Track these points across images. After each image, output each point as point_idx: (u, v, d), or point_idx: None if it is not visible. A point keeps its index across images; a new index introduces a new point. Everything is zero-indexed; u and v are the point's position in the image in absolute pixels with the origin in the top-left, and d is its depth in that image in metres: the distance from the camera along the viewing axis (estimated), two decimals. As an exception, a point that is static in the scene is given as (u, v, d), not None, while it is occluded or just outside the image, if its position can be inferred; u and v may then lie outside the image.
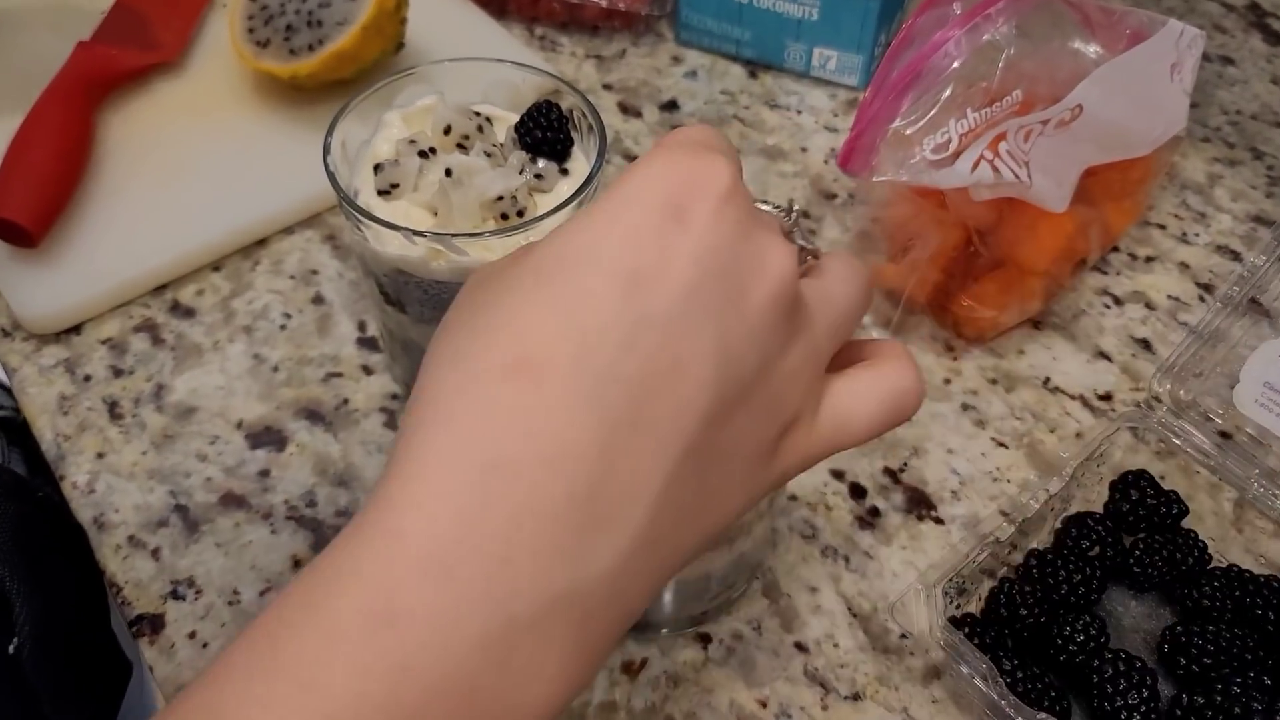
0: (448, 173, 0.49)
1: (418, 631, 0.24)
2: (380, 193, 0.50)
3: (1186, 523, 0.51)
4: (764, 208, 0.32)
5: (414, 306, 0.50)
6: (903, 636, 0.49)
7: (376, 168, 0.50)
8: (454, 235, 0.46)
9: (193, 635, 0.48)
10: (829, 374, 0.32)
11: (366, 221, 0.47)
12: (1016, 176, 0.55)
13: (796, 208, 0.33)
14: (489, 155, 0.50)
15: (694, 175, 0.28)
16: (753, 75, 0.76)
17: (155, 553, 0.51)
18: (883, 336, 0.60)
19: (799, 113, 0.73)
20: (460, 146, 0.51)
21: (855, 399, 0.32)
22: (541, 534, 0.25)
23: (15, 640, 0.52)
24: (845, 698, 0.47)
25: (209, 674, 0.25)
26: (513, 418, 0.26)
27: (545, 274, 0.27)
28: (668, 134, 0.30)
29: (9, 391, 0.57)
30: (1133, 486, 0.50)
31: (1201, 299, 0.63)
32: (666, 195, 0.27)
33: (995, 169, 0.55)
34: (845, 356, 0.33)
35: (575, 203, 0.48)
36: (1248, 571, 0.49)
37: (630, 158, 0.70)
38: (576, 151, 0.52)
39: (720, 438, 0.28)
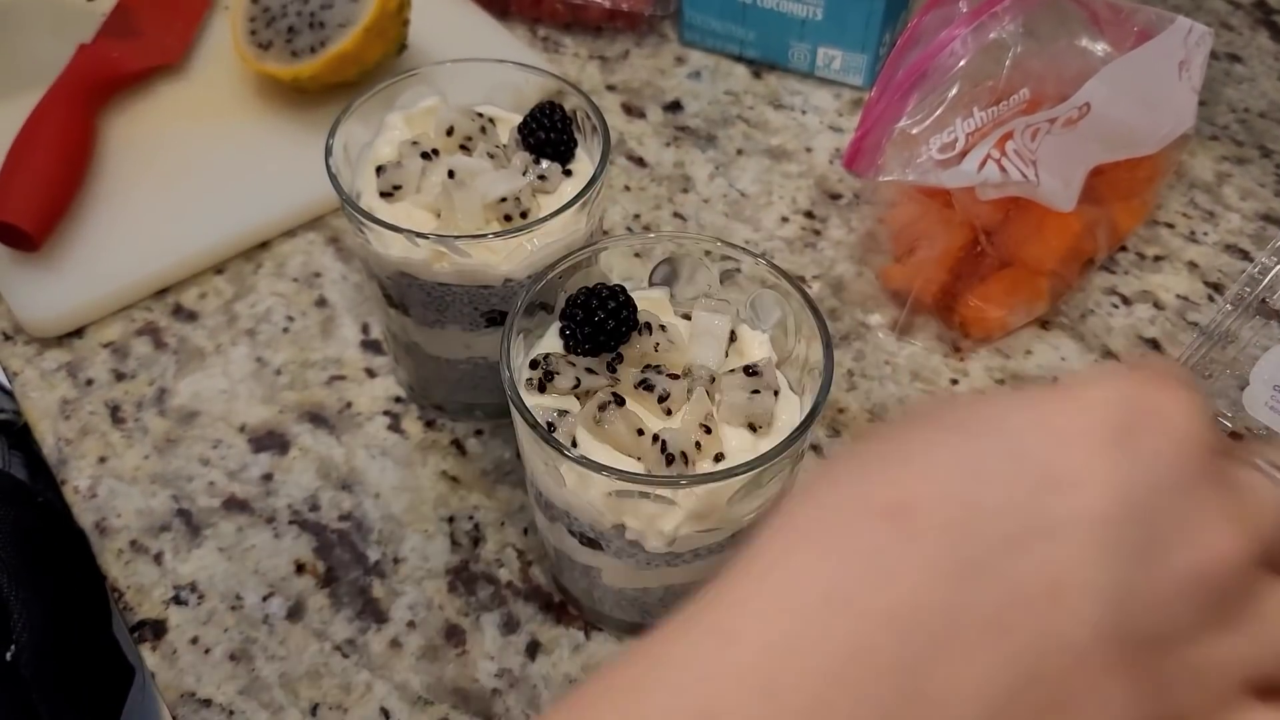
0: (450, 174, 0.49)
1: None
2: (383, 195, 0.49)
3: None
4: (1271, 472, 0.27)
5: (417, 309, 0.50)
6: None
7: (379, 169, 0.50)
8: (457, 237, 0.46)
9: (195, 641, 0.48)
10: (1263, 701, 0.26)
11: (369, 224, 0.46)
12: (1024, 175, 0.55)
13: None
14: (492, 156, 0.50)
15: (1159, 405, 0.25)
16: (757, 75, 0.76)
17: (157, 557, 0.51)
18: (888, 337, 0.60)
19: (803, 113, 0.73)
20: (463, 148, 0.51)
21: None
22: (865, 686, 0.23)
23: (13, 647, 0.51)
24: (853, 702, 0.47)
25: None
26: (871, 560, 0.24)
27: (965, 433, 0.26)
28: (1142, 361, 0.27)
29: (10, 395, 0.57)
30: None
31: (1211, 299, 0.62)
32: (1123, 415, 0.25)
33: (1002, 168, 0.55)
34: None
35: (579, 204, 0.47)
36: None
37: (634, 159, 0.69)
38: (580, 152, 0.52)
39: (1077, 689, 0.24)
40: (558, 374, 0.43)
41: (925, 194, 0.59)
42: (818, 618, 0.24)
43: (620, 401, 0.42)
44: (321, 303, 0.61)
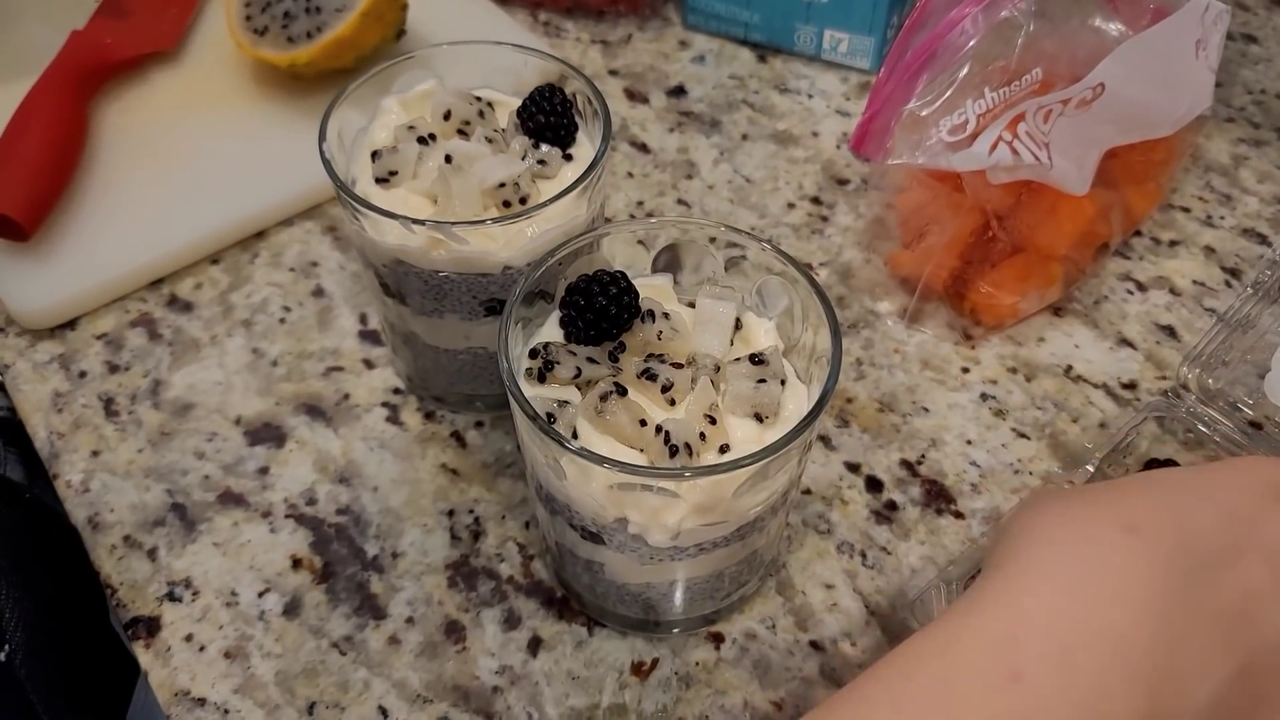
0: (448, 159, 0.47)
1: (1039, 695, 0.29)
2: (378, 180, 0.48)
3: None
4: None
5: (415, 298, 0.49)
6: (922, 635, 0.47)
7: (374, 155, 0.48)
8: (454, 223, 0.45)
9: (189, 638, 0.47)
10: None
11: (364, 210, 0.45)
12: (1036, 158, 0.54)
13: None
14: (490, 141, 0.49)
15: None
16: (762, 59, 0.74)
17: (151, 553, 0.50)
18: (897, 325, 0.59)
19: (810, 97, 0.72)
20: (460, 132, 0.49)
21: None
22: (1134, 659, 0.30)
23: (7, 648, 0.50)
24: (863, 699, 0.45)
25: (839, 698, 0.31)
26: (1124, 565, 0.31)
27: (1156, 486, 0.34)
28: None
29: (3, 390, 0.56)
30: (1160, 477, 0.48)
31: (1228, 284, 0.61)
32: (1273, 481, 0.34)
33: (1014, 151, 0.53)
34: None
35: (579, 189, 0.46)
36: None
37: (638, 145, 0.68)
38: (581, 136, 0.51)
39: (1269, 681, 0.32)
40: (558, 363, 0.42)
41: (935, 178, 0.57)
42: (1093, 604, 0.30)
43: (622, 391, 0.41)
44: (319, 293, 0.60)
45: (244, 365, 0.57)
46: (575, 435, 0.40)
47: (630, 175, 0.66)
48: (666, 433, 0.39)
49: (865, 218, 0.63)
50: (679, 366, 0.42)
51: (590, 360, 0.42)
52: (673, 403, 0.41)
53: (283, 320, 0.59)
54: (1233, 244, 0.63)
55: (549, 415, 0.41)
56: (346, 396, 0.55)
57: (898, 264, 0.60)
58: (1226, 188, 0.66)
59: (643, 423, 0.40)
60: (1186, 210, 0.65)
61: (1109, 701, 0.29)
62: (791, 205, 0.65)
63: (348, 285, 0.60)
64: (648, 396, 0.42)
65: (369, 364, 0.57)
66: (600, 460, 0.37)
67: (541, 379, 0.42)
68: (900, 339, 0.58)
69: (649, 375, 0.41)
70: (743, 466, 0.38)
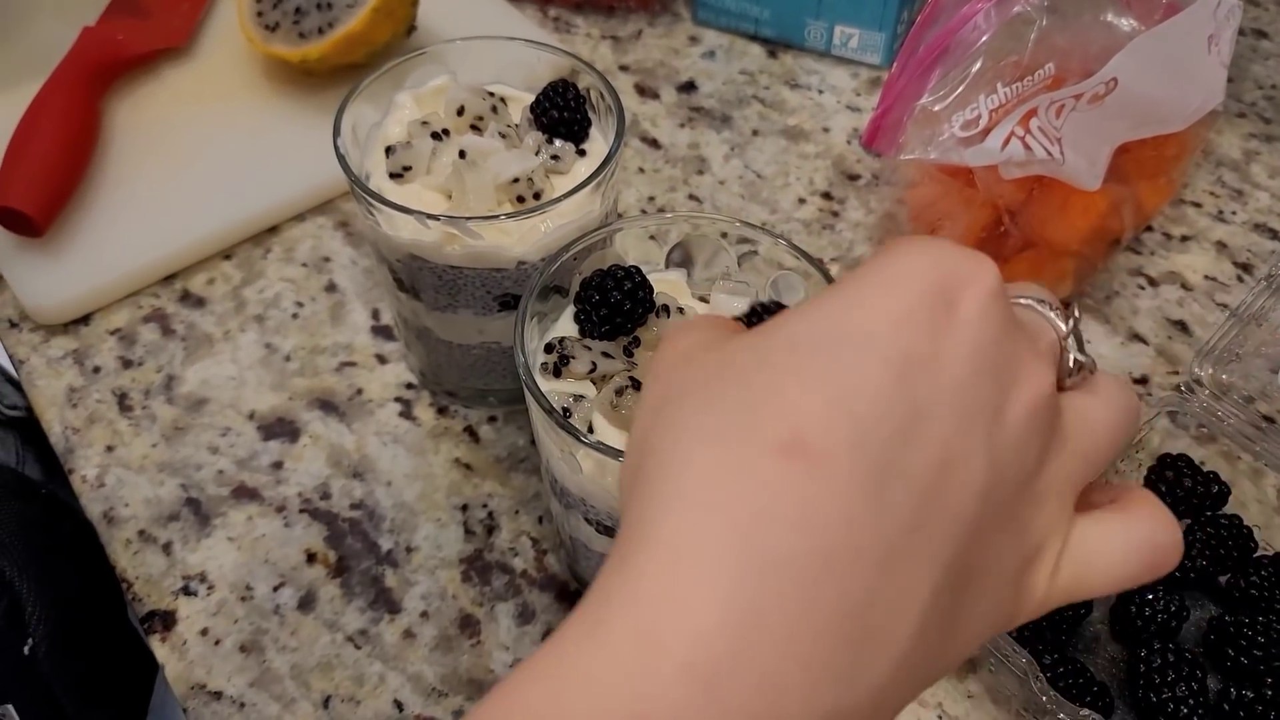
0: (461, 154, 0.47)
1: None
2: (392, 176, 0.48)
3: (1230, 510, 0.49)
4: (1038, 308, 0.29)
5: (429, 293, 0.49)
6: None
7: (388, 150, 0.48)
8: (469, 218, 0.45)
9: (205, 632, 0.47)
10: (1085, 512, 0.28)
11: (379, 205, 0.45)
12: (1049, 153, 0.54)
13: (1077, 313, 0.29)
14: (504, 136, 0.49)
15: (961, 268, 0.26)
16: (772, 55, 0.74)
17: (166, 547, 0.50)
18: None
19: (820, 92, 0.72)
20: (474, 128, 0.50)
21: (1102, 543, 0.28)
22: (815, 648, 0.22)
23: (30, 641, 0.50)
24: (877, 693, 0.46)
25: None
26: (791, 508, 0.22)
27: (806, 350, 0.25)
28: (907, 238, 0.27)
29: (20, 390, 0.56)
30: (1170, 469, 0.48)
31: (1240, 279, 0.61)
32: (936, 284, 0.25)
33: (1027, 146, 0.53)
34: (1086, 500, 0.29)
35: (593, 184, 0.46)
36: (1295, 560, 0.47)
37: (648, 140, 0.68)
38: (594, 132, 0.51)
39: (977, 556, 0.25)
40: (573, 358, 0.42)
41: (947, 173, 0.57)
42: (750, 595, 0.22)
43: (638, 386, 0.41)
44: (331, 288, 0.60)
45: (257, 360, 0.57)
46: (591, 429, 0.40)
47: (641, 170, 0.66)
48: None
49: (876, 213, 0.63)
50: (694, 361, 0.42)
51: (605, 355, 0.42)
52: None
53: (295, 315, 0.59)
54: (1244, 239, 0.63)
55: (565, 409, 0.41)
56: (359, 391, 0.56)
57: (909, 259, 0.60)
58: (1238, 183, 0.66)
59: None
60: (1198, 205, 0.65)
61: (787, 702, 0.22)
62: (802, 200, 0.65)
63: (360, 280, 0.60)
64: None
65: (381, 359, 0.57)
66: (617, 454, 0.37)
67: (557, 373, 0.42)
68: (912, 334, 0.58)
69: None
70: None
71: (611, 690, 0.22)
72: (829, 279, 0.42)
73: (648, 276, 0.43)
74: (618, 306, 0.42)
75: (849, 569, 0.22)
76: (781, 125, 0.69)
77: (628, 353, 0.43)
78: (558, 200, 0.45)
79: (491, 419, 0.55)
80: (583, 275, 0.44)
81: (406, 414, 0.55)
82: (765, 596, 0.22)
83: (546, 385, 0.42)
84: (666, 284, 0.45)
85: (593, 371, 0.42)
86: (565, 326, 0.44)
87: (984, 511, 0.25)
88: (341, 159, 0.46)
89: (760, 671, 0.22)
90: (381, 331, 0.58)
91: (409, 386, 0.56)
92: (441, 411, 0.55)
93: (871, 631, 0.23)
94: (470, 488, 0.52)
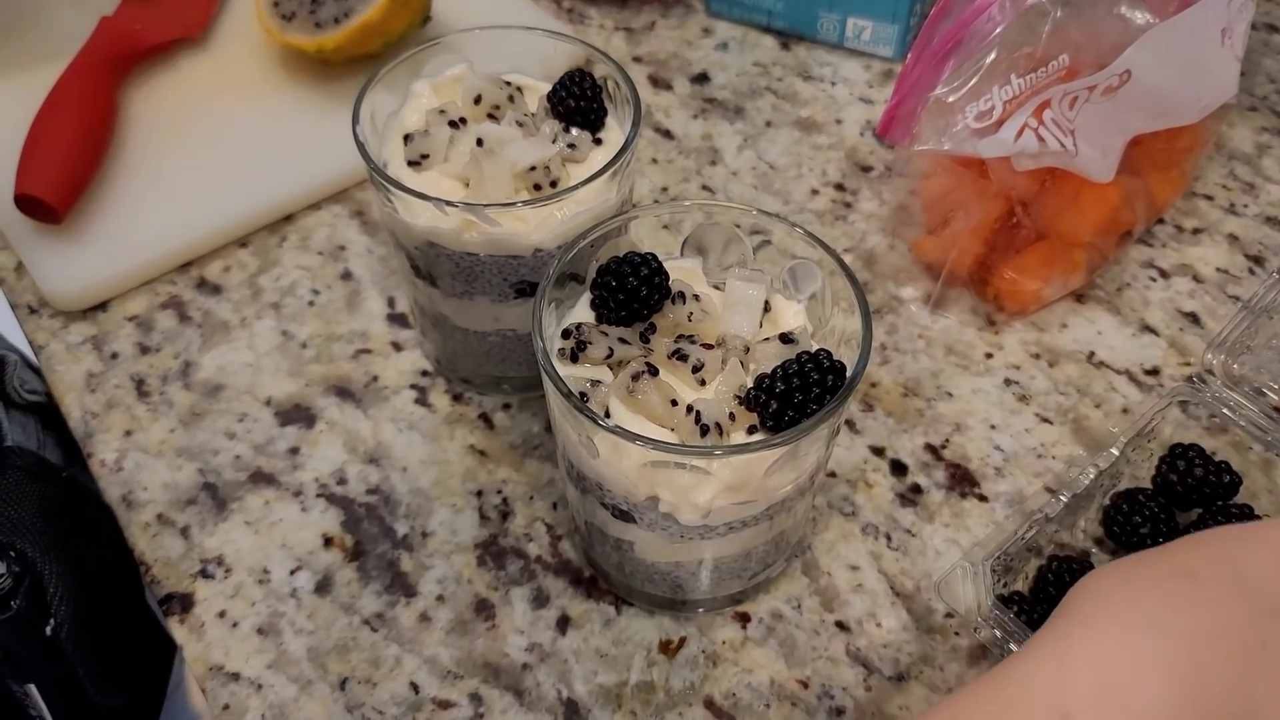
0: (479, 143, 0.48)
1: None
2: (410, 163, 0.49)
3: (1240, 500, 0.50)
4: None
5: (445, 280, 0.49)
6: (948, 615, 0.48)
7: (406, 138, 0.49)
8: (486, 206, 0.45)
9: (222, 614, 0.48)
10: None
11: (397, 192, 0.46)
12: (1062, 145, 0.54)
13: None
14: (520, 125, 0.49)
15: None
16: (785, 47, 0.74)
17: (184, 531, 0.50)
18: (921, 310, 0.59)
19: (833, 84, 0.72)
20: (491, 116, 0.50)
21: None
22: (1209, 693, 0.30)
23: (53, 621, 0.51)
24: (889, 678, 0.46)
25: None
26: (1181, 602, 0.31)
27: (1207, 537, 0.34)
28: None
29: (41, 376, 0.57)
30: (1181, 458, 0.49)
31: (1251, 271, 0.61)
32: None
33: (1040, 137, 0.54)
34: None
35: (609, 172, 0.47)
36: (1306, 549, 0.47)
37: (662, 131, 0.68)
38: (610, 120, 0.51)
39: None
40: (590, 343, 0.42)
41: (960, 164, 0.58)
42: (1152, 645, 0.30)
43: (654, 371, 0.41)
44: (347, 276, 0.61)
45: (273, 347, 0.57)
46: (607, 414, 0.41)
47: (655, 161, 0.67)
48: (697, 412, 0.40)
49: (889, 204, 0.64)
50: (709, 347, 0.42)
51: (622, 341, 0.43)
52: (703, 383, 0.42)
53: (311, 303, 0.59)
54: (1256, 232, 0.63)
55: (582, 394, 0.41)
56: (375, 378, 0.56)
57: (922, 250, 0.60)
58: (1250, 176, 0.66)
59: (673, 403, 0.41)
60: (1209, 198, 0.65)
61: None
62: (815, 191, 0.65)
63: (375, 269, 0.61)
64: (678, 377, 0.42)
65: (397, 346, 0.57)
66: (634, 438, 0.38)
67: (574, 359, 0.42)
68: (924, 324, 0.58)
69: (680, 356, 0.42)
70: (774, 446, 0.38)
71: (1038, 692, 0.30)
72: (844, 267, 0.43)
73: (664, 264, 0.44)
74: (634, 293, 0.43)
75: (1230, 650, 0.30)
76: (794, 117, 0.69)
77: (644, 339, 0.43)
78: (574, 188, 0.46)
79: (506, 406, 0.55)
80: (599, 262, 0.44)
81: (422, 401, 0.55)
82: (1163, 652, 0.30)
83: (564, 370, 0.42)
84: (682, 271, 0.46)
85: (609, 357, 0.42)
86: (582, 313, 0.45)
87: None
88: (361, 146, 0.47)
89: (1167, 709, 0.29)
90: (397, 319, 0.59)
91: (424, 374, 0.56)
92: (456, 399, 0.55)
93: (1253, 702, 0.30)
94: (485, 474, 0.52)
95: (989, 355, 0.57)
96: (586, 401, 0.41)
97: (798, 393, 0.39)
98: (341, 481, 0.52)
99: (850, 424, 0.54)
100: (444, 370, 0.56)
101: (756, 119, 0.69)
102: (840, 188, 0.65)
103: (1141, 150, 0.60)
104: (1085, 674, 0.30)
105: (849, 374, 0.40)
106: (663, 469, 0.39)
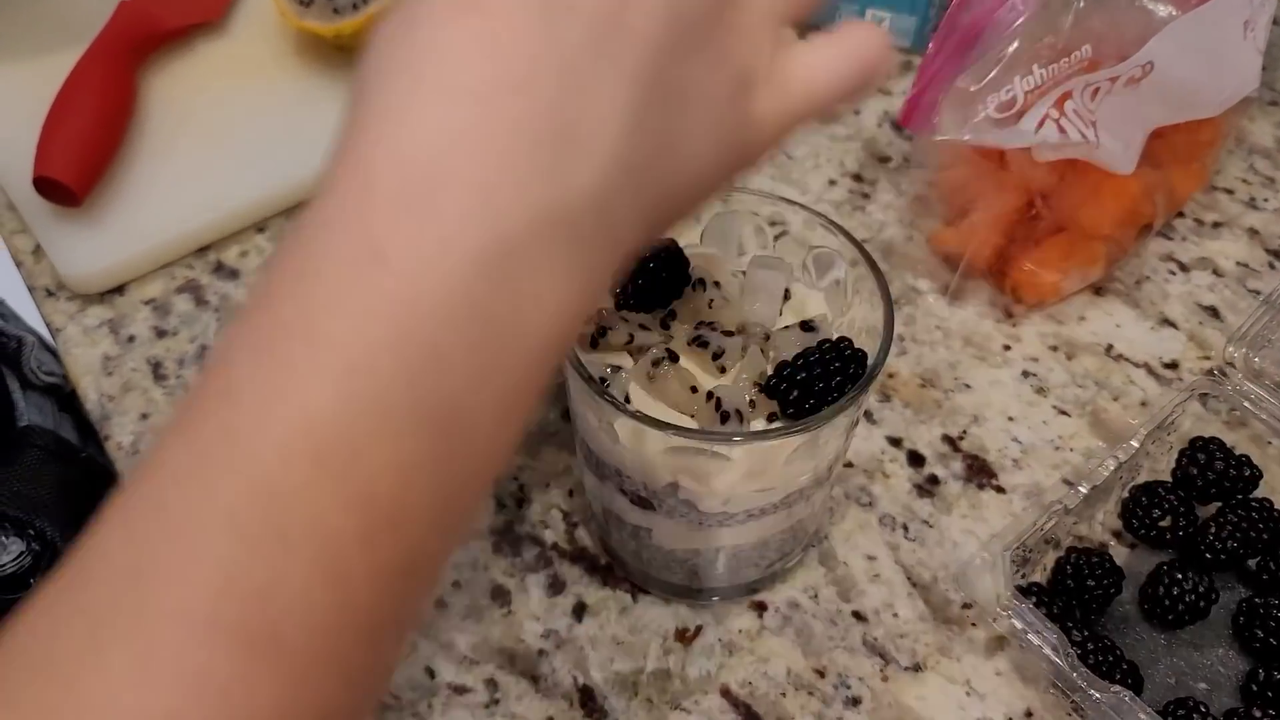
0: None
1: (411, 264, 0.24)
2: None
3: (1261, 494, 0.49)
4: None
5: (464, 265, 0.49)
6: (966, 606, 0.47)
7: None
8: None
9: (240, 597, 0.48)
10: (799, 40, 0.32)
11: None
12: (1084, 136, 0.54)
13: None
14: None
15: None
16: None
17: (201, 514, 0.50)
18: (939, 301, 0.59)
19: (851, 75, 0.71)
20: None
21: (819, 57, 0.32)
22: (518, 155, 0.25)
23: None
24: (905, 668, 0.46)
25: (215, 352, 0.25)
26: (476, 46, 0.25)
27: None
28: None
29: (58, 358, 0.57)
30: (1202, 451, 0.48)
31: (1271, 266, 0.61)
32: None
33: (1061, 129, 0.53)
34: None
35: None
36: (1326, 544, 0.47)
37: (678, 120, 0.68)
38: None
39: (678, 75, 0.28)
40: (611, 329, 0.42)
41: (979, 155, 0.58)
42: (447, 120, 0.25)
43: (674, 358, 0.41)
44: (363, 262, 0.60)
45: (291, 332, 0.57)
46: (627, 400, 0.41)
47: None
48: (718, 399, 0.40)
49: (907, 195, 0.64)
50: (730, 334, 0.42)
51: (642, 327, 0.43)
52: (723, 370, 0.42)
53: (328, 288, 0.59)
54: (1276, 226, 0.63)
55: (602, 379, 0.41)
56: (392, 364, 0.56)
57: (940, 241, 0.60)
58: (1270, 170, 0.66)
59: (693, 389, 0.40)
60: (1230, 192, 0.65)
61: (502, 222, 0.25)
62: (833, 182, 0.65)
63: (392, 255, 0.61)
64: (698, 363, 0.42)
65: (414, 333, 0.57)
66: (656, 423, 0.38)
67: (594, 344, 0.42)
68: (942, 316, 0.58)
69: (700, 342, 0.42)
70: (794, 433, 0.38)
71: (345, 228, 0.25)
72: (866, 255, 0.42)
73: (685, 251, 0.44)
74: (654, 278, 0.42)
75: (539, 87, 0.25)
76: (812, 107, 0.69)
77: (664, 325, 0.43)
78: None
79: (523, 393, 0.55)
80: (619, 248, 0.44)
81: (438, 387, 0.55)
82: (462, 120, 0.25)
83: (584, 356, 0.42)
84: (703, 258, 0.46)
85: (630, 343, 0.42)
86: (601, 299, 0.45)
87: (672, 37, 0.27)
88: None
89: (470, 181, 0.24)
90: (413, 305, 0.58)
91: (441, 360, 0.56)
92: (473, 385, 0.55)
93: (573, 139, 0.26)
94: (501, 460, 0.52)
95: (1007, 347, 0.57)
96: (607, 387, 0.41)
97: (818, 381, 0.39)
98: (358, 466, 0.52)
99: (868, 414, 0.54)
100: (461, 357, 0.56)
101: (774, 109, 0.69)
102: (858, 178, 0.65)
103: (1162, 143, 0.59)
104: (390, 191, 0.24)
105: (870, 363, 0.40)
106: (683, 454, 0.39)
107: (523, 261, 0.25)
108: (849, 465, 0.52)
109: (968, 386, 0.55)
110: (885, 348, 0.40)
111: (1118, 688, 0.40)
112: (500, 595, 0.48)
